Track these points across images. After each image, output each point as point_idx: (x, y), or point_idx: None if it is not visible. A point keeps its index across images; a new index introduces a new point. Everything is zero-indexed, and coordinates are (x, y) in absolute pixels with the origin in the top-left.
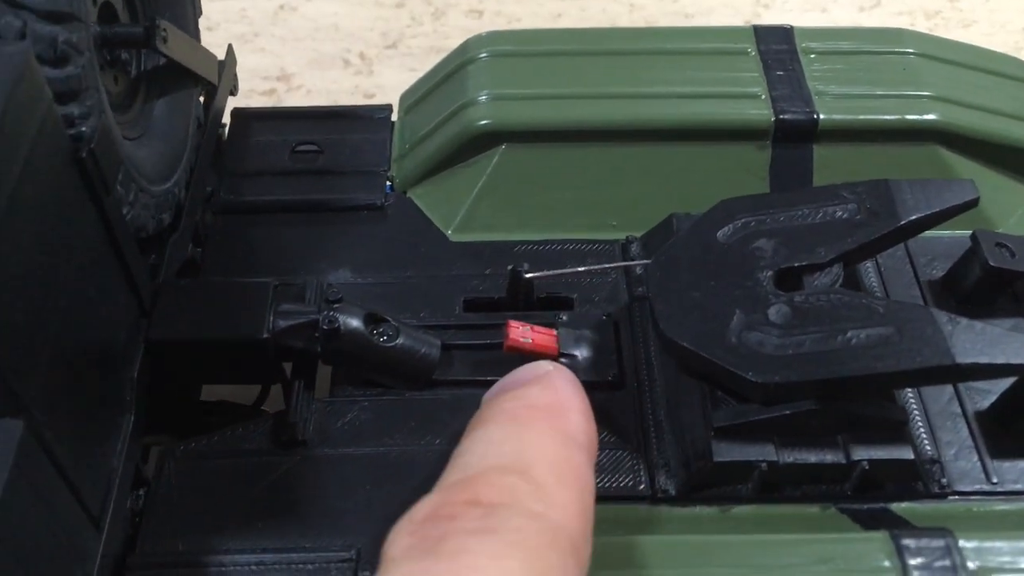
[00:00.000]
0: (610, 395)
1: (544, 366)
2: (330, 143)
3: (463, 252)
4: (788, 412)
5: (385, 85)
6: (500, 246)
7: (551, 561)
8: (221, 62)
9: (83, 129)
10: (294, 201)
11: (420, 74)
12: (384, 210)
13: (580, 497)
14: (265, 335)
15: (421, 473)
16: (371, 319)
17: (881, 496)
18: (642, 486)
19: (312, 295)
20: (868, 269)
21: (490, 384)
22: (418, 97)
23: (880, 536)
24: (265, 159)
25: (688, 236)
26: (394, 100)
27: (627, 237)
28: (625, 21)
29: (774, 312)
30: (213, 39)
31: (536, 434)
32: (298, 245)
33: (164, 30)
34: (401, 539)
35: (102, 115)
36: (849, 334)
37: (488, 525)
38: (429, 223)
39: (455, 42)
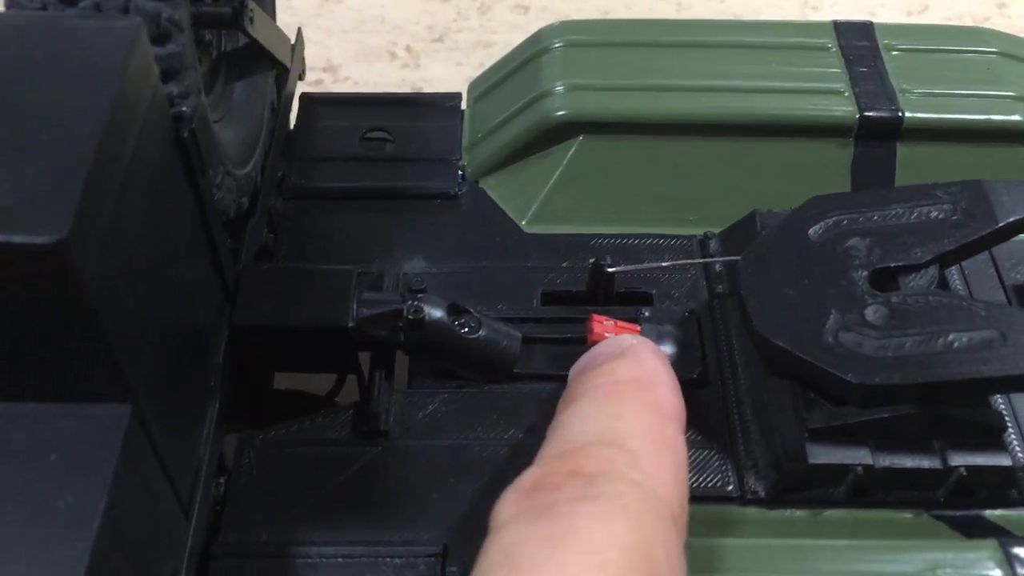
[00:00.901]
0: (695, 393)
1: (628, 339)
2: (400, 130)
3: (538, 244)
4: (886, 415)
5: (433, 79)
6: (576, 239)
7: (653, 525)
8: (292, 45)
9: (183, 109)
10: (366, 188)
11: (467, 68)
12: (458, 199)
13: (675, 467)
14: (350, 323)
15: (504, 467)
16: (454, 310)
17: (973, 503)
18: (730, 487)
19: (391, 284)
20: (951, 273)
21: None
22: (488, 86)
23: (988, 544)
24: (335, 145)
25: (779, 233)
26: None
27: (706, 233)
28: None
29: (871, 313)
30: None
31: (629, 408)
32: (371, 232)
33: (251, 10)
34: (509, 507)
35: (200, 95)
36: (951, 337)
37: (592, 492)
38: (503, 214)
39: (501, 37)
